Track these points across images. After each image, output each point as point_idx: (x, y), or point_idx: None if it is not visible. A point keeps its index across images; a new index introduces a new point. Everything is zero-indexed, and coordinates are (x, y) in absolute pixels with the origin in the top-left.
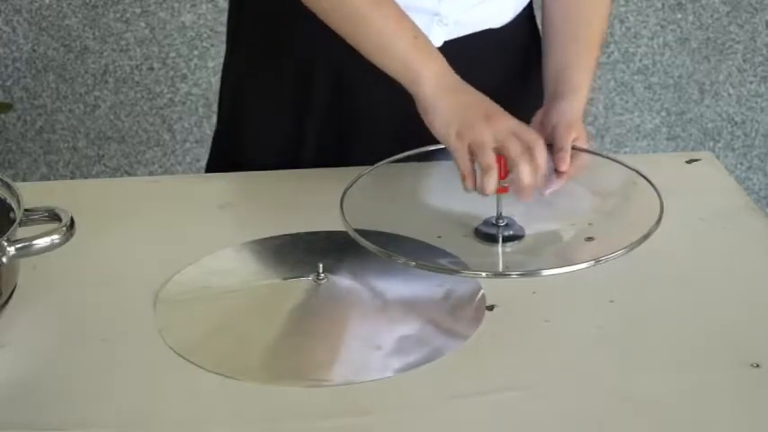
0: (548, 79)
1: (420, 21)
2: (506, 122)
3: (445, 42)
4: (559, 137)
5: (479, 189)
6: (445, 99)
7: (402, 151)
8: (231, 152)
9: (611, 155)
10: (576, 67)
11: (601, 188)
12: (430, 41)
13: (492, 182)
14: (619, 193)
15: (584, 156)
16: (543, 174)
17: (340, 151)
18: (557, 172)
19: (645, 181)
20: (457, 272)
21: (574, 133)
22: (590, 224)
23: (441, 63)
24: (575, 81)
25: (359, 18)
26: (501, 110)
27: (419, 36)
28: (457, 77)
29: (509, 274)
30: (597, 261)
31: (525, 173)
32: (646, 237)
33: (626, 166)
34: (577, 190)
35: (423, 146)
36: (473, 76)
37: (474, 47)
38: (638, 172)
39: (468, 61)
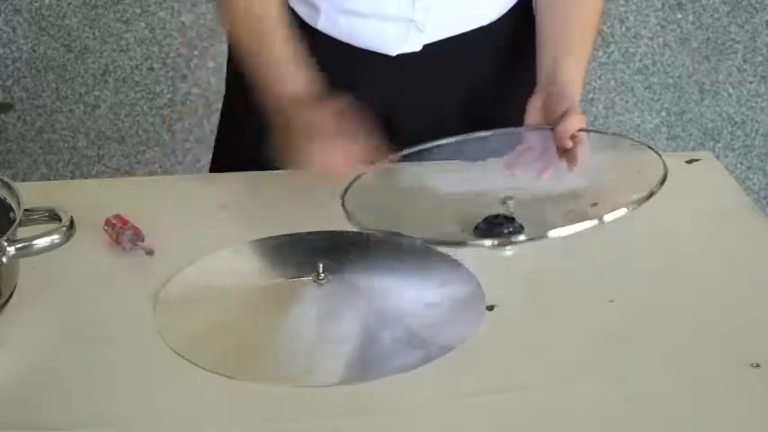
0: (542, 68)
1: (396, 28)
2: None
3: (425, 46)
4: (571, 122)
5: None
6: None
7: (399, 149)
8: (231, 152)
9: (616, 133)
10: (571, 56)
11: (604, 166)
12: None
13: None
14: (622, 169)
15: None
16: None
17: None
18: (564, 154)
19: (650, 160)
20: (463, 243)
21: (580, 118)
22: (594, 201)
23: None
24: (571, 70)
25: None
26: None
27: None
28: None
29: (516, 241)
30: (601, 220)
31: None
32: (649, 196)
33: (631, 140)
34: (580, 170)
35: (420, 142)
36: (455, 78)
37: (456, 48)
38: (642, 143)
39: (450, 63)
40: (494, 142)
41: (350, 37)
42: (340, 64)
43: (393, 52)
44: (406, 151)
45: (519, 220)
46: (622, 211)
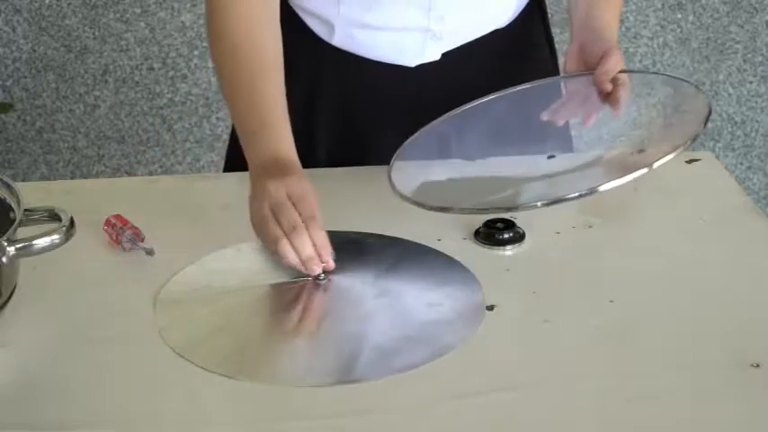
0: (576, 19)
1: (413, 39)
2: (284, 189)
3: (443, 54)
4: (611, 64)
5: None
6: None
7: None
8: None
9: (656, 71)
10: (605, 5)
11: (646, 107)
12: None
13: (302, 241)
14: (663, 109)
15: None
16: None
17: (350, 153)
18: (607, 98)
19: (690, 97)
20: (513, 209)
21: (620, 59)
22: (640, 147)
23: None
24: (606, 16)
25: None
26: (286, 173)
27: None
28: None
29: (566, 198)
30: (650, 167)
31: (288, 251)
32: (694, 138)
33: (669, 76)
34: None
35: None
36: (474, 82)
37: (474, 53)
38: (682, 79)
39: (468, 68)
40: (534, 94)
41: (367, 50)
42: (356, 79)
43: (412, 63)
44: (451, 113)
45: (566, 177)
46: (670, 156)
